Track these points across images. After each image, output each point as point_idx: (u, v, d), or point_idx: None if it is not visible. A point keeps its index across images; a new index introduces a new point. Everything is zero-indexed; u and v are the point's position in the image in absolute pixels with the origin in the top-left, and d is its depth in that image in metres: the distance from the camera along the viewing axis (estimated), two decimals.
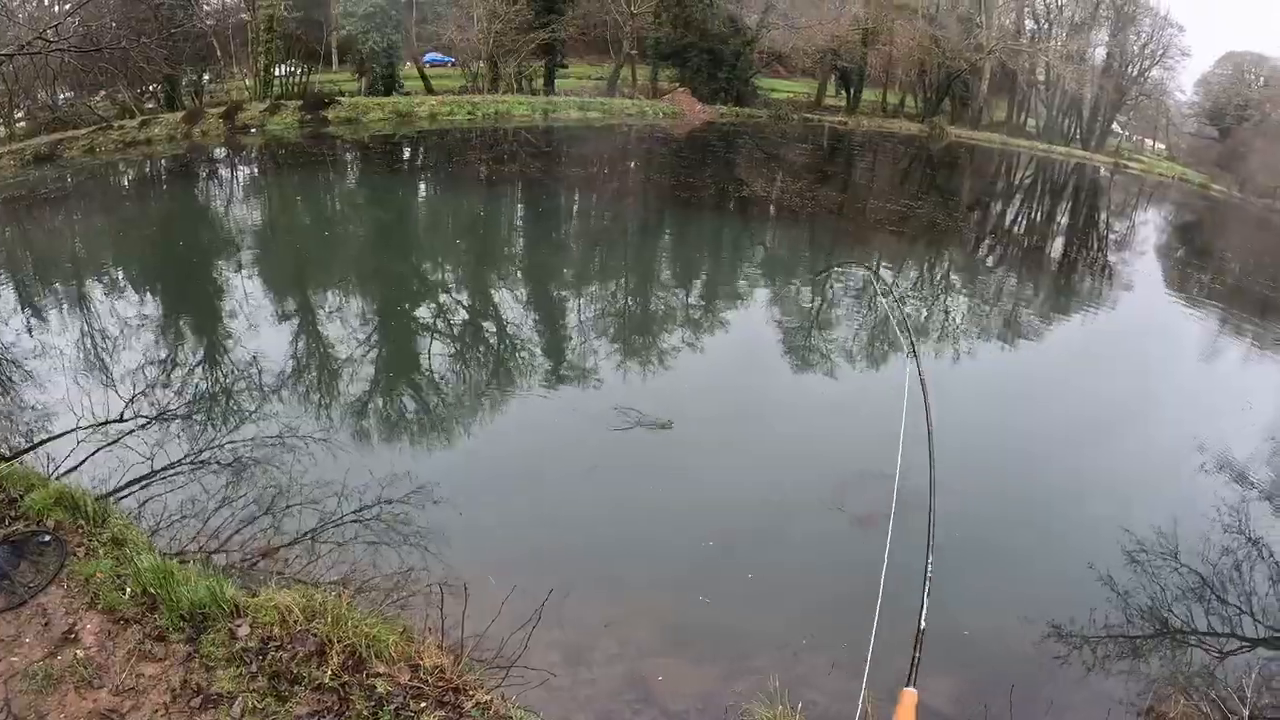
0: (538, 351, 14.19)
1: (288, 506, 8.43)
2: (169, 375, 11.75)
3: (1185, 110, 73.43)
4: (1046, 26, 63.60)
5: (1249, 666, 7.58)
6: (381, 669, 5.32)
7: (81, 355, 12.22)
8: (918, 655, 1.23)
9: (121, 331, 13.19)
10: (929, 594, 1.30)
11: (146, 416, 10.19)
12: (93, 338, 12.97)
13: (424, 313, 15.67)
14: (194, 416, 10.50)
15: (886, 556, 1.60)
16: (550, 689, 6.20)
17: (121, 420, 9.95)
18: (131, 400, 10.52)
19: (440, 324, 15.09)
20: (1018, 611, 8.03)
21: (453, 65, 47.78)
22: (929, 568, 1.34)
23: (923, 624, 1.27)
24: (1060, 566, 9.11)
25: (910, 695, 1.18)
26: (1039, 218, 39.28)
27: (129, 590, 5.72)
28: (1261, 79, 66.93)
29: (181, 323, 14.31)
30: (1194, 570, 9.24)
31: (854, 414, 12.67)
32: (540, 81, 46.99)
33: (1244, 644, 8.18)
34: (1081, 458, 12.00)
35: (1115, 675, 7.46)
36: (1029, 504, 10.38)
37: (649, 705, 6.49)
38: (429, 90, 43.32)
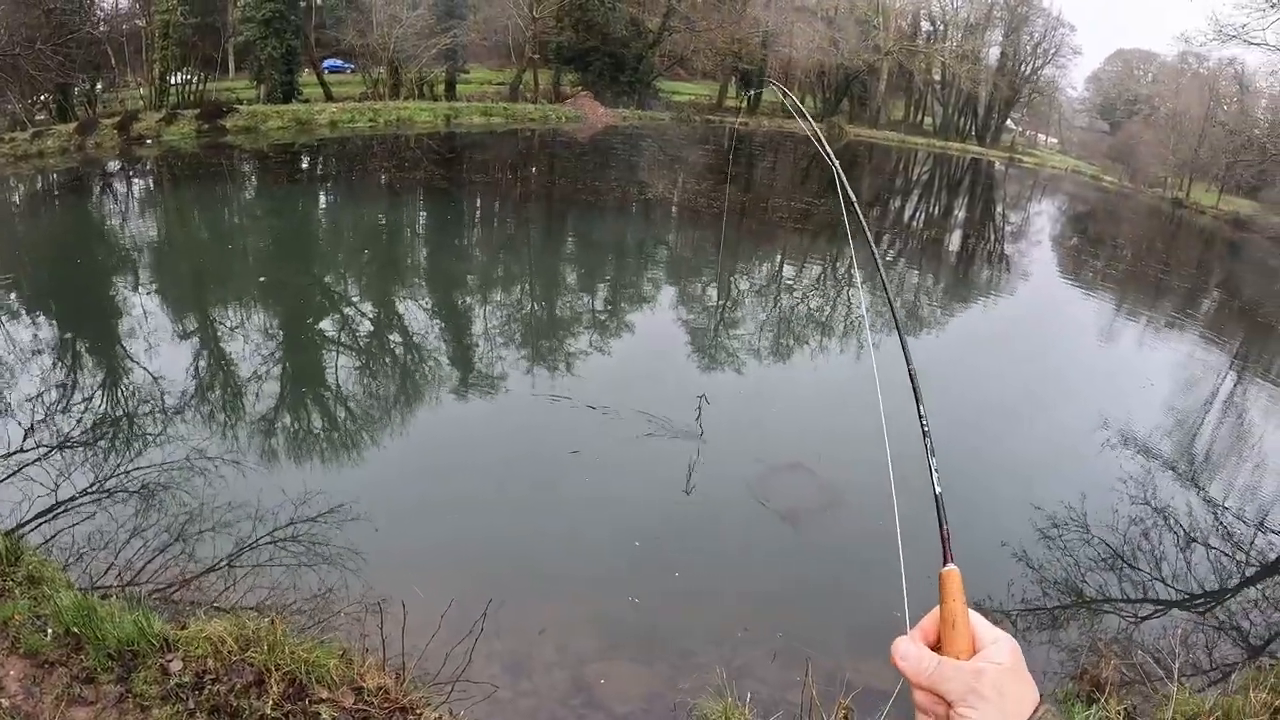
0: (444, 360, 14.02)
1: (201, 532, 8.11)
2: (69, 401, 11.16)
3: (1077, 106, 77.22)
4: (942, 28, 65.93)
5: (1164, 630, 8.01)
6: (324, 694, 5.16)
7: None
8: (947, 529, 1.21)
9: (15, 356, 12.48)
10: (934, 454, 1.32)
11: (48, 445, 9.67)
12: None
13: (329, 325, 15.29)
14: (99, 443, 10.01)
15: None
16: (496, 701, 6.12)
17: (22, 450, 9.43)
18: (31, 429, 9.97)
19: (345, 336, 14.75)
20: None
21: (353, 72, 46.90)
22: (926, 429, 1.36)
23: (938, 489, 1.27)
24: (982, 544, 9.38)
25: (953, 573, 1.13)
26: (937, 211, 40.66)
27: (51, 631, 5.41)
28: (1150, 75, 70.75)
29: (80, 345, 13.63)
30: (1106, 541, 9.68)
31: (769, 409, 12.81)
32: (442, 87, 46.49)
33: (1159, 607, 8.63)
34: (990, 440, 12.44)
35: (1042, 644, 7.78)
36: (948, 485, 10.62)
37: (595, 709, 6.48)
38: (329, 97, 42.39)
